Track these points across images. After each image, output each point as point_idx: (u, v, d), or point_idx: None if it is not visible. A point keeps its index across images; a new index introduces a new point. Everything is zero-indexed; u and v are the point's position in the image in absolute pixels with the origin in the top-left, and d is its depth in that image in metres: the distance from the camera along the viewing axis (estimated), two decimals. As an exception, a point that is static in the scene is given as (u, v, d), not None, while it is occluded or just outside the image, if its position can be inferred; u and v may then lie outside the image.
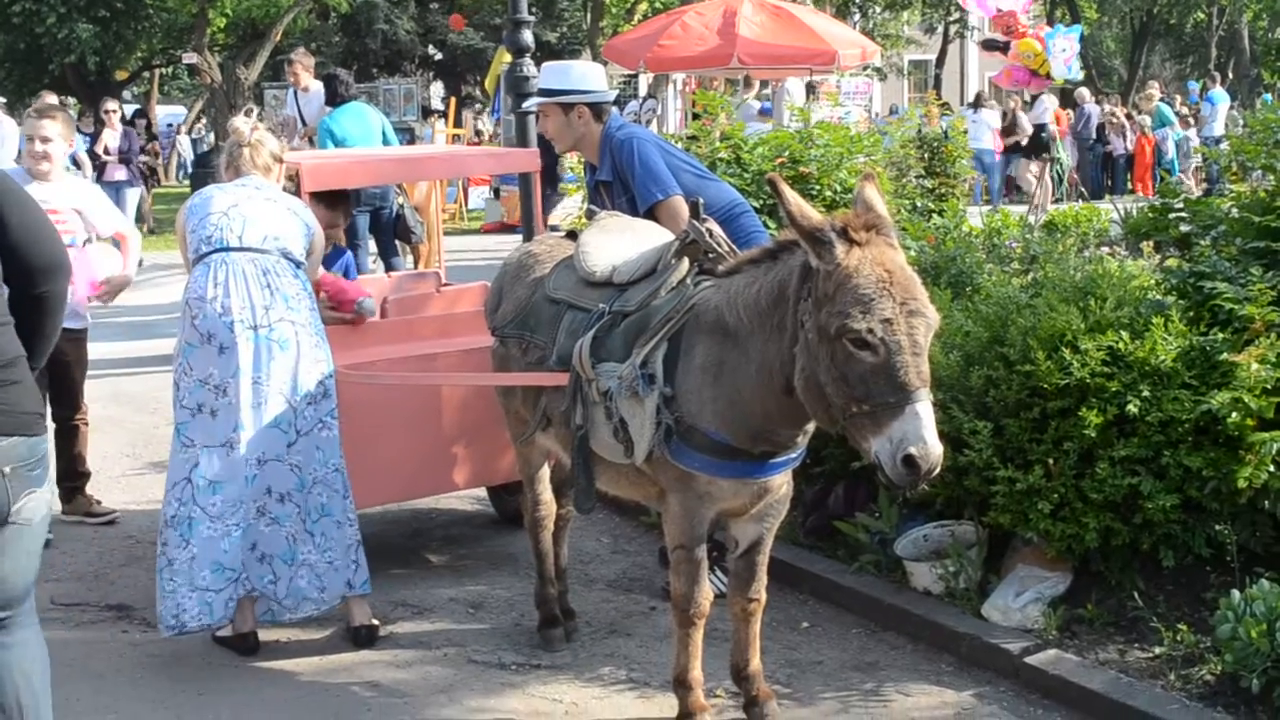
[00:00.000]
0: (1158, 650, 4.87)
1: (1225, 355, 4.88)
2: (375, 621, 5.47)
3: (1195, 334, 5.01)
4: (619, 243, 4.82)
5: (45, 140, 6.51)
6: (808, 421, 4.16)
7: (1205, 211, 6.27)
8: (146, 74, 35.01)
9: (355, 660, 5.34)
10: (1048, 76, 15.95)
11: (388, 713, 4.89)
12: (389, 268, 11.01)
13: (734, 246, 4.54)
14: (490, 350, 5.34)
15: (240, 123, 5.56)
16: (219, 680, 5.19)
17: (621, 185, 5.57)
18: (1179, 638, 4.85)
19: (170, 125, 36.19)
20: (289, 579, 5.26)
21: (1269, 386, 4.82)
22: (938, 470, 3.72)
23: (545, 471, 5.39)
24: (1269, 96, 31.35)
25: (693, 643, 4.55)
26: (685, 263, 4.47)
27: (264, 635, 5.44)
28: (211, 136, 27.57)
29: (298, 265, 5.37)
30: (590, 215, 5.19)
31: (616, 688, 5.04)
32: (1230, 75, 34.01)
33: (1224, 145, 19.21)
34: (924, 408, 3.69)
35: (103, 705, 4.98)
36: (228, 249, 5.20)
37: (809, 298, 3.86)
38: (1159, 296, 5.30)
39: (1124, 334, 4.99)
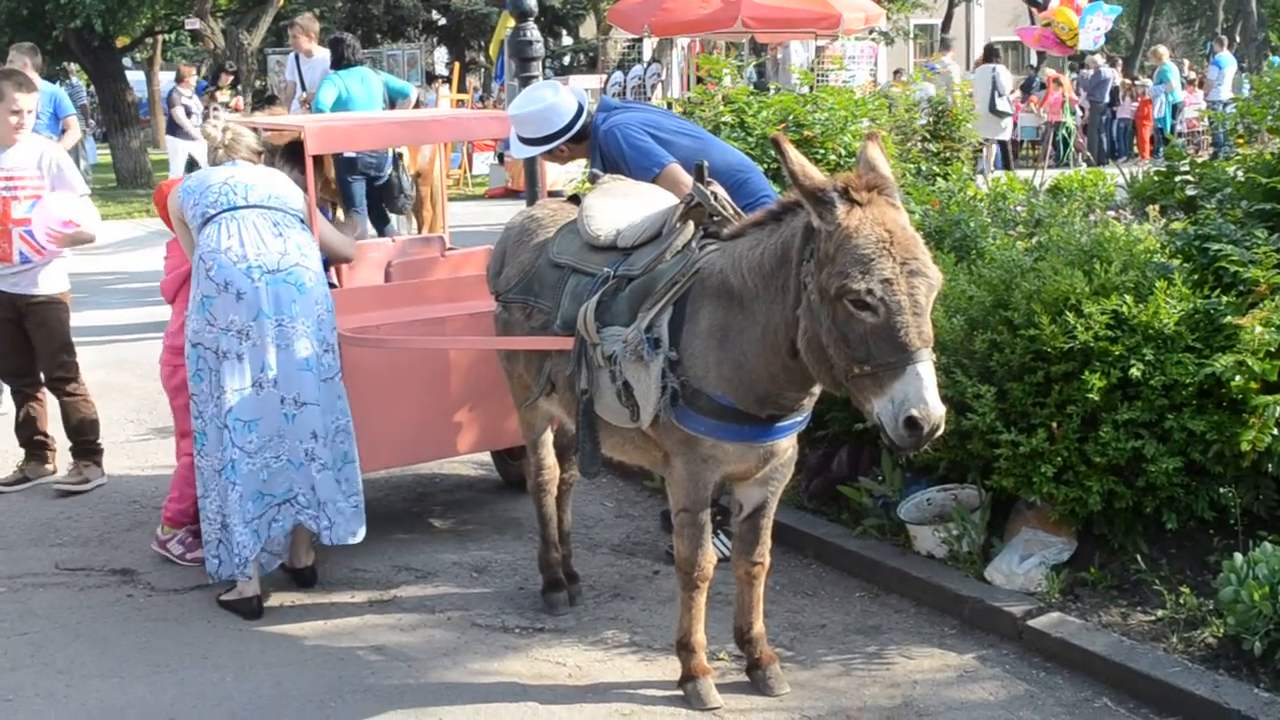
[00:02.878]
0: (1160, 613, 4.87)
1: (1229, 318, 4.87)
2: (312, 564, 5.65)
3: (1199, 297, 5.00)
4: (623, 207, 4.81)
5: (29, 113, 6.74)
6: (813, 384, 4.16)
7: (1211, 175, 6.25)
8: (149, 40, 34.86)
9: (359, 624, 5.35)
10: (1072, 47, 15.99)
11: (391, 675, 4.90)
12: (380, 234, 10.99)
13: (738, 209, 4.52)
14: (494, 314, 5.33)
15: (210, 129, 5.65)
16: (223, 643, 5.20)
17: (617, 171, 5.56)
18: (1181, 601, 4.85)
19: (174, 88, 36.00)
20: (311, 518, 5.37)
21: (1273, 349, 4.81)
22: (940, 431, 3.71)
23: (549, 436, 5.39)
24: (1277, 59, 31.27)
25: (696, 606, 4.56)
26: (690, 226, 4.45)
27: (273, 601, 5.47)
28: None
29: (302, 221, 5.49)
30: (594, 179, 5.16)
31: (619, 651, 5.06)
32: (1238, 39, 33.84)
33: (1230, 108, 19.20)
34: (925, 368, 3.68)
35: (107, 669, 5.00)
36: (235, 207, 5.32)
37: (811, 259, 3.85)
38: (1163, 260, 5.29)
39: (1128, 297, 4.98)
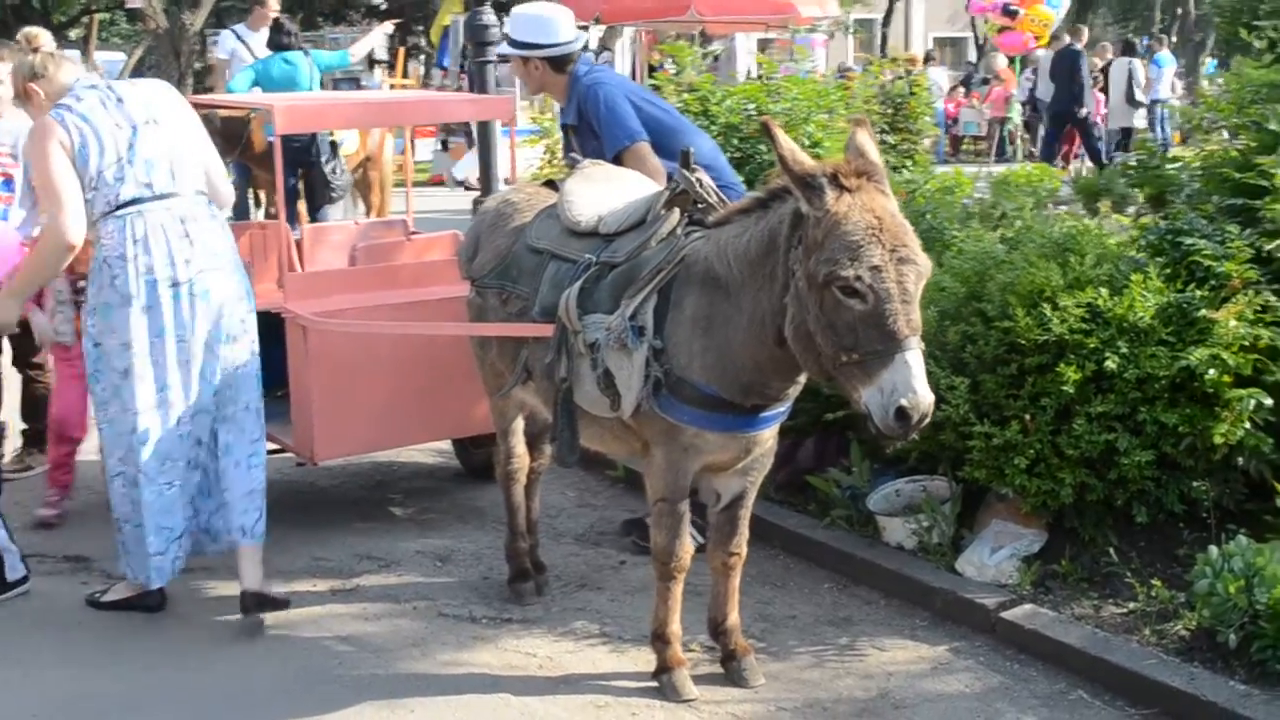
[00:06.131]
0: (1132, 606, 4.88)
1: (1203, 312, 4.89)
2: (270, 593, 5.12)
3: (1173, 291, 5.01)
4: (604, 192, 4.75)
5: (2, 83, 6.35)
6: (799, 373, 4.12)
7: (1169, 176, 6.28)
8: (85, 19, 34.33)
9: (322, 613, 5.26)
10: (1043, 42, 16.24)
11: (359, 665, 4.83)
12: (313, 220, 10.80)
13: (723, 197, 4.48)
14: (466, 300, 5.25)
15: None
16: (184, 631, 5.11)
17: (590, 130, 5.50)
18: (1153, 593, 4.86)
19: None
20: (207, 514, 5.17)
21: (1247, 344, 4.84)
22: (929, 420, 3.69)
23: (520, 424, 5.32)
24: (1213, 63, 31.62)
25: (672, 596, 4.51)
26: (675, 213, 4.40)
27: (227, 590, 5.34)
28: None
29: (202, 194, 5.08)
30: (573, 164, 5.09)
31: (589, 642, 5.01)
32: (1174, 39, 34.18)
33: (1183, 104, 19.43)
34: (914, 356, 3.65)
35: (66, 659, 4.91)
36: (140, 200, 4.89)
37: (799, 245, 3.81)
38: (1134, 254, 5.30)
39: (1103, 290, 4.98)
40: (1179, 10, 37.48)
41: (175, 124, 5.06)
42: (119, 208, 4.88)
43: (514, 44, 5.65)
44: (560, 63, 5.60)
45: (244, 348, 5.10)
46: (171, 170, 4.97)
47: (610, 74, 5.71)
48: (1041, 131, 20.49)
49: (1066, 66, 17.95)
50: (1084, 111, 17.67)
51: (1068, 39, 18.48)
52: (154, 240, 4.88)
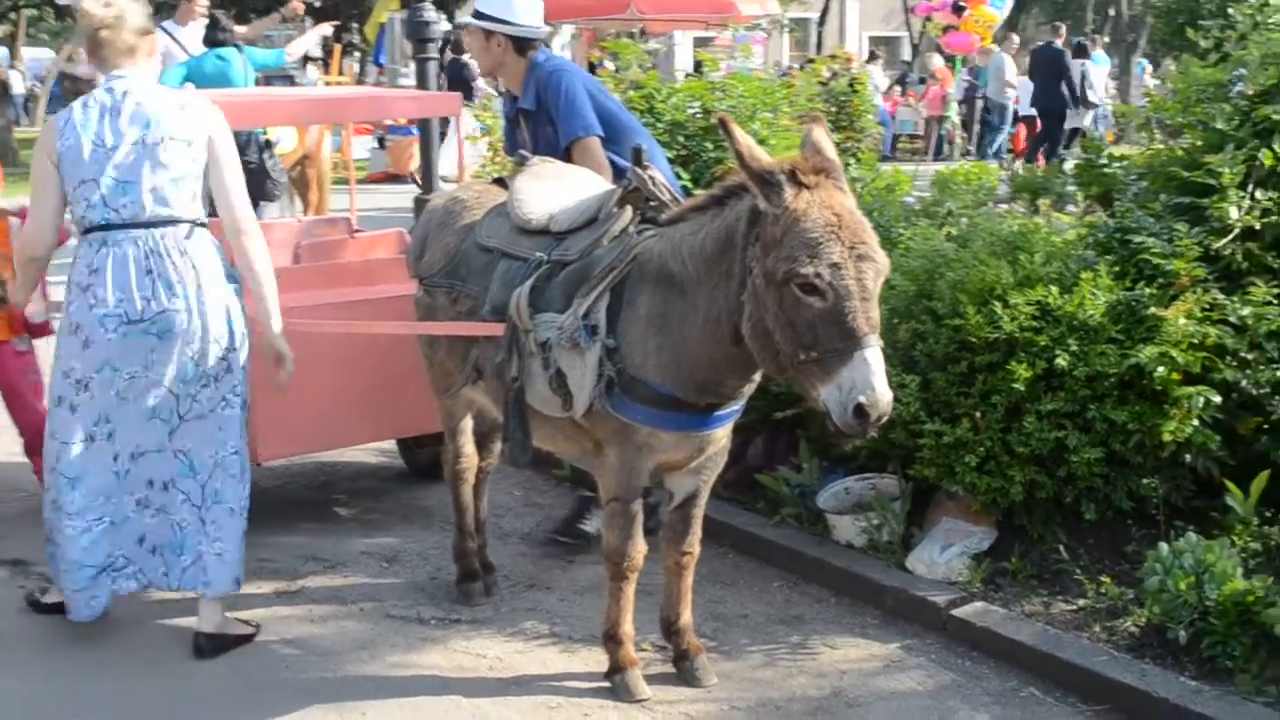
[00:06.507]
0: (1081, 602, 4.90)
1: (1152, 310, 4.91)
2: (223, 632, 4.90)
3: (1122, 289, 5.03)
4: (554, 190, 4.70)
5: None
6: (754, 371, 4.10)
7: (1113, 174, 6.31)
8: (13, 14, 33.85)
9: (267, 615, 5.17)
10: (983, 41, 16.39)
11: (306, 669, 4.75)
12: None
13: (676, 194, 4.44)
14: (414, 299, 5.18)
15: (88, 3, 4.70)
16: (125, 637, 5.01)
17: (546, 117, 5.45)
18: (1102, 590, 4.89)
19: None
20: (180, 569, 4.79)
21: (1195, 341, 4.86)
22: (887, 417, 3.67)
23: (468, 423, 5.26)
24: (1143, 63, 31.98)
25: (625, 597, 4.48)
26: (628, 211, 4.35)
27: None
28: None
29: (193, 224, 4.68)
30: (522, 161, 5.03)
31: (540, 642, 4.96)
32: (1106, 39, 34.54)
33: (1115, 104, 19.65)
34: (873, 354, 3.63)
35: (2, 666, 4.79)
36: (109, 226, 4.55)
37: (757, 242, 3.78)
38: (1081, 252, 5.32)
39: (1053, 288, 4.99)
40: (1111, 11, 37.86)
41: (181, 145, 4.62)
42: (86, 231, 4.61)
43: (480, 15, 5.52)
44: (523, 45, 5.50)
45: (227, 387, 4.76)
46: (155, 196, 4.57)
47: (572, 64, 5.67)
48: (977, 130, 20.75)
49: (1050, 65, 18.14)
50: (1079, 111, 17.94)
51: (1048, 39, 18.76)
52: (115, 273, 4.55)
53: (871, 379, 3.60)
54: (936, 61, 24.89)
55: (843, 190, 3.79)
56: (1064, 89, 18.00)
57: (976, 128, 20.99)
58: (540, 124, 5.45)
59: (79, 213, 4.61)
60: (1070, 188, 7.44)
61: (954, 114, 21.43)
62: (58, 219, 4.77)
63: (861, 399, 3.59)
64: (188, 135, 4.63)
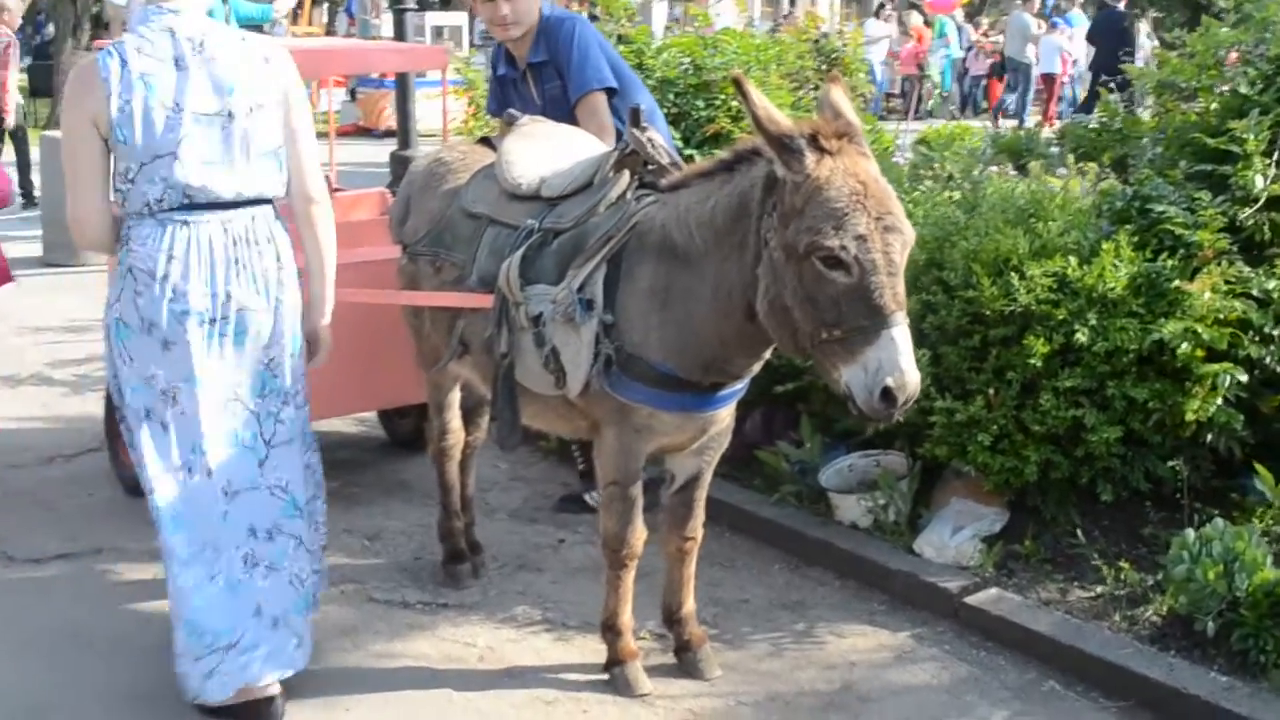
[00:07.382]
0: (1099, 589, 4.68)
1: (1176, 283, 4.67)
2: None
3: (1143, 260, 4.79)
4: (545, 151, 4.41)
5: None
6: (766, 349, 3.84)
7: (1132, 138, 6.08)
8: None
9: (243, 599, 4.91)
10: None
11: (286, 659, 4.49)
12: None
13: (676, 158, 4.16)
14: (397, 266, 4.89)
15: None
16: (93, 620, 4.74)
17: (555, 70, 5.16)
18: (1122, 576, 4.67)
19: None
20: (312, 628, 4.22)
21: (1221, 316, 4.63)
22: (915, 400, 3.43)
23: (455, 398, 4.99)
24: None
25: (623, 585, 4.23)
26: (625, 176, 4.07)
27: (146, 573, 4.96)
28: (51, 28, 25.95)
29: (270, 203, 4.00)
30: (510, 121, 4.74)
31: (532, 629, 4.72)
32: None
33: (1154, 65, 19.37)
34: (900, 333, 3.37)
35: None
36: (192, 206, 3.81)
37: (774, 212, 3.51)
38: (1098, 221, 5.08)
39: (1072, 259, 4.75)
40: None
41: (271, 109, 3.90)
42: (159, 211, 3.83)
43: None
44: None
45: (299, 391, 4.11)
46: (245, 171, 3.86)
47: (576, 13, 5.40)
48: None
49: (1111, 27, 17.76)
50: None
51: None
52: (195, 260, 3.81)
53: (899, 359, 3.35)
54: (914, 19, 24.57)
55: (866, 156, 3.52)
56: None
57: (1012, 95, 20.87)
58: (546, 79, 5.17)
59: (151, 193, 3.77)
60: (1054, 150, 7.22)
61: (934, 73, 21.14)
62: (108, 198, 3.89)
63: (889, 381, 3.34)
64: (277, 94, 3.91)
